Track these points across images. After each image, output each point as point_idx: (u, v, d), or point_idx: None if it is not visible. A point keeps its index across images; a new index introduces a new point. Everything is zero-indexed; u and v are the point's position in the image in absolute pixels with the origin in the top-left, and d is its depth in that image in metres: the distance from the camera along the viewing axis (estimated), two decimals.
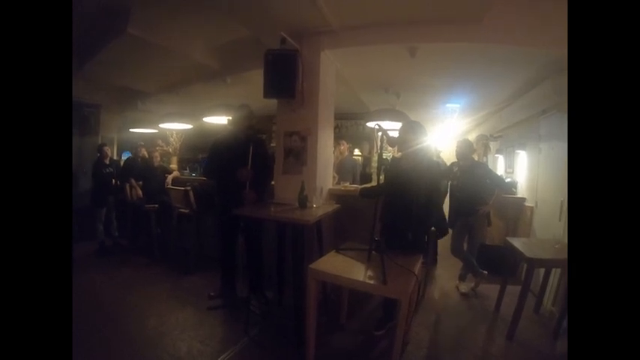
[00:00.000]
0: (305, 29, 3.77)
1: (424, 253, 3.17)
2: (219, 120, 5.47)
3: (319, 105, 3.90)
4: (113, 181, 6.08)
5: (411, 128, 3.18)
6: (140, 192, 5.89)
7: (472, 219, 4.35)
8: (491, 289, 4.20)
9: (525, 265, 3.35)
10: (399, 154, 3.51)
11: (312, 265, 2.70)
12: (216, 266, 4.11)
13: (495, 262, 4.41)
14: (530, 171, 5.28)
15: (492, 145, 7.68)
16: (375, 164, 6.58)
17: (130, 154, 7.39)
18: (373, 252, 2.76)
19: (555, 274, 3.69)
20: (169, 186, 5.68)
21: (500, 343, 3.22)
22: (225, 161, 3.69)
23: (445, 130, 7.77)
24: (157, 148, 6.64)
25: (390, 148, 4.90)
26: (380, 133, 2.88)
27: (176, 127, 6.62)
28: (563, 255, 3.07)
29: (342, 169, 6.53)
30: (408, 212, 3.01)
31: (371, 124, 4.75)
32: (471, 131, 9.16)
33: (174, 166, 6.80)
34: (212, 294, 3.88)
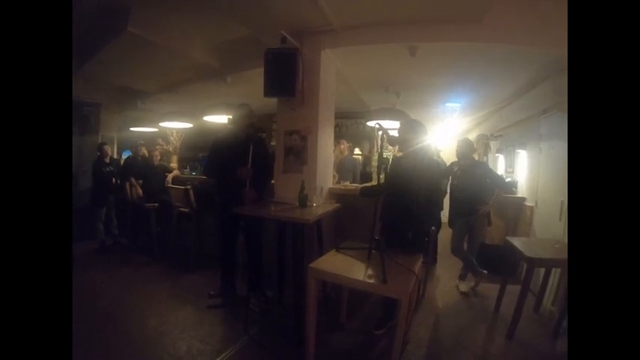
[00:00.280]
0: (305, 28, 3.77)
1: (424, 253, 3.18)
2: (219, 119, 5.47)
3: (319, 104, 3.90)
4: (113, 180, 6.07)
5: (412, 127, 3.18)
6: (140, 191, 5.89)
7: (472, 218, 4.35)
8: (491, 289, 4.20)
9: (525, 265, 3.35)
10: (400, 153, 3.51)
11: (312, 264, 2.70)
12: (216, 265, 4.12)
13: (495, 261, 4.41)
14: (530, 171, 5.28)
15: (493, 144, 7.68)
16: (375, 163, 6.58)
17: (130, 153, 7.39)
18: (373, 251, 2.76)
19: (555, 274, 3.69)
20: (169, 185, 5.68)
21: (500, 342, 3.22)
22: (226, 160, 3.69)
23: (445, 129, 7.76)
24: (157, 147, 6.63)
25: (390, 147, 4.89)
26: (380, 132, 2.88)
27: (176, 126, 6.62)
28: (563, 255, 3.07)
29: (343, 169, 6.53)
30: (408, 211, 3.01)
31: (371, 123, 4.75)
32: (472, 130, 9.15)
33: (174, 165, 6.79)
34: (212, 293, 3.88)
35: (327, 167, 4.37)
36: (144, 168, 6.03)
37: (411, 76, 5.04)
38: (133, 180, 5.94)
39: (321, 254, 3.16)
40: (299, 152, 3.97)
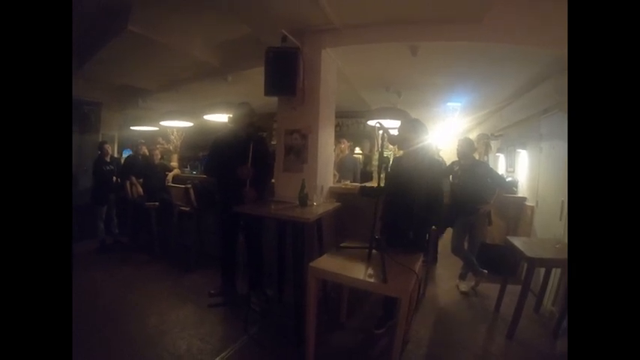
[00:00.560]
0: (306, 27, 3.77)
1: (425, 252, 3.17)
2: (219, 118, 5.47)
3: (320, 103, 3.90)
4: (114, 178, 6.07)
5: (412, 127, 3.17)
6: (141, 190, 5.89)
7: (473, 218, 4.34)
8: (491, 289, 4.20)
9: (526, 265, 3.34)
10: (400, 152, 3.51)
11: (313, 263, 2.70)
12: (216, 264, 4.12)
13: (496, 261, 4.41)
14: (531, 170, 5.28)
15: (493, 144, 7.66)
16: (375, 162, 6.57)
17: (130, 152, 7.38)
18: (374, 250, 2.76)
19: (555, 274, 3.69)
20: (170, 184, 5.68)
21: (500, 342, 3.22)
22: (226, 159, 3.70)
23: (446, 128, 7.75)
24: (158, 145, 6.62)
25: (390, 147, 4.90)
26: (381, 132, 2.88)
27: (177, 124, 6.61)
28: (564, 255, 3.07)
29: (343, 168, 6.53)
30: (409, 211, 3.01)
31: (372, 123, 4.74)
32: (472, 130, 9.15)
33: (174, 163, 6.79)
34: (212, 292, 3.88)
35: (328, 166, 4.37)
36: (144, 167, 6.03)
37: (411, 76, 5.04)
38: (133, 179, 5.93)
39: (321, 253, 3.16)
40: (299, 151, 3.97)
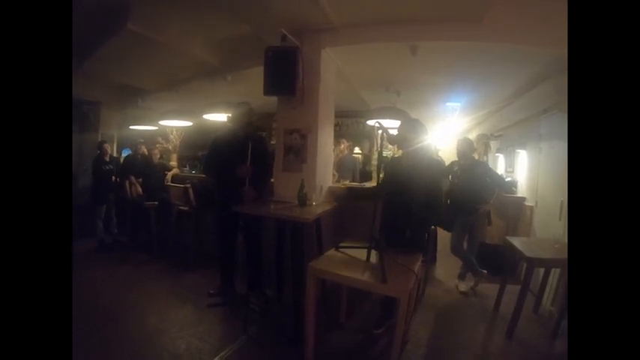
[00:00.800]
0: (306, 26, 3.76)
1: (424, 252, 3.17)
2: (219, 117, 5.47)
3: (319, 103, 3.90)
4: (113, 178, 6.07)
5: (412, 126, 3.17)
6: (140, 189, 5.89)
7: (472, 218, 4.34)
8: (490, 289, 4.19)
9: (525, 265, 3.35)
10: (400, 152, 3.50)
11: (312, 263, 2.70)
12: (215, 263, 4.12)
13: (495, 261, 4.42)
14: (530, 170, 5.28)
15: (493, 144, 7.67)
16: (375, 162, 6.57)
17: (129, 152, 7.38)
18: (373, 250, 2.76)
19: (555, 274, 3.68)
20: (169, 183, 5.68)
21: (499, 342, 3.22)
22: (225, 158, 3.69)
23: (445, 128, 7.75)
24: (157, 145, 6.62)
25: (390, 146, 4.89)
26: (380, 131, 2.88)
27: (176, 124, 6.62)
28: (563, 255, 3.07)
29: (342, 167, 6.53)
30: (408, 210, 3.01)
31: (371, 122, 4.74)
32: (472, 130, 9.15)
33: (174, 163, 6.79)
34: (211, 291, 3.87)
35: (327, 166, 4.37)
36: (143, 166, 6.03)
37: (411, 75, 5.04)
38: (132, 178, 5.93)
39: (320, 253, 3.16)
40: (299, 151, 3.96)
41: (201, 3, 3.72)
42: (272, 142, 6.49)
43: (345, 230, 4.02)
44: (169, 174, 6.01)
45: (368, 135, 8.62)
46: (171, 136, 7.25)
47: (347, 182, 5.36)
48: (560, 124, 4.02)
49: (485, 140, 7.73)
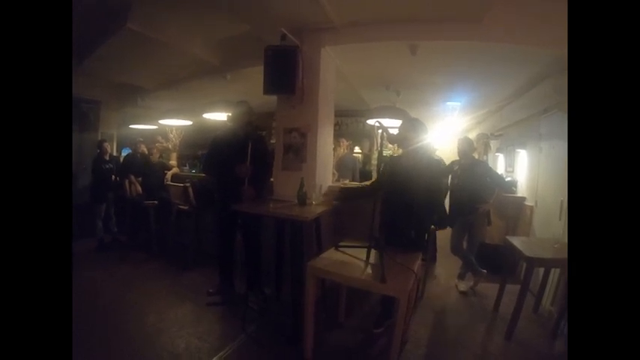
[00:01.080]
0: (306, 25, 3.76)
1: (424, 251, 3.17)
2: (218, 116, 5.47)
3: (319, 102, 3.89)
4: (113, 177, 6.07)
5: (412, 126, 3.16)
6: (139, 188, 5.89)
7: (472, 217, 4.33)
8: (490, 288, 4.19)
9: (525, 265, 3.34)
10: (399, 151, 3.50)
11: (311, 262, 2.70)
12: (214, 262, 4.12)
13: (495, 261, 4.42)
14: (530, 170, 5.27)
15: (493, 143, 7.66)
16: (375, 162, 6.57)
17: (129, 151, 7.37)
18: (372, 249, 2.75)
19: (554, 274, 3.68)
20: (169, 182, 5.67)
21: (498, 342, 3.22)
22: (225, 157, 3.69)
23: (445, 128, 7.75)
24: (157, 144, 6.62)
25: (390, 146, 4.89)
26: (380, 131, 2.88)
27: (176, 123, 6.61)
28: (563, 254, 3.06)
29: (342, 166, 6.52)
30: (408, 210, 3.01)
31: (371, 122, 4.74)
32: (472, 129, 9.15)
33: (173, 162, 6.79)
34: (211, 290, 3.87)
35: (327, 165, 4.36)
36: (143, 165, 6.03)
37: (411, 75, 5.03)
38: (132, 177, 5.93)
39: (319, 252, 3.15)
40: (298, 150, 3.96)
41: (201, 2, 3.72)
42: (272, 141, 6.49)
43: (345, 229, 4.02)
44: (169, 173, 6.00)
45: (368, 134, 8.62)
46: (171, 135, 7.24)
47: (347, 182, 5.35)
48: (560, 123, 4.02)
49: (485, 140, 7.73)
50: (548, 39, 3.15)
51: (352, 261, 2.78)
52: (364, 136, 8.80)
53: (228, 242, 3.91)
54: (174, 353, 2.80)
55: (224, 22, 4.13)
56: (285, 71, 3.69)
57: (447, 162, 4.80)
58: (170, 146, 7.20)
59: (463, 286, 4.40)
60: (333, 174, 5.34)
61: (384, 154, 3.11)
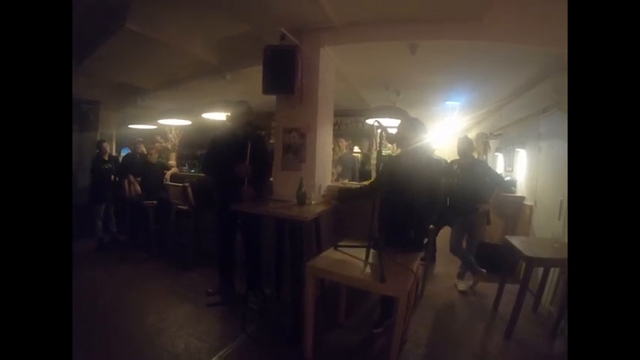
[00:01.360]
0: (305, 25, 3.76)
1: (424, 251, 3.17)
2: (218, 116, 5.47)
3: (318, 101, 3.89)
4: (112, 177, 6.06)
5: (411, 125, 3.16)
6: (139, 188, 5.89)
7: (471, 217, 4.33)
8: (489, 288, 4.20)
9: (524, 264, 3.34)
10: (399, 151, 3.50)
11: (310, 262, 2.70)
12: (214, 262, 4.13)
13: (494, 260, 4.41)
14: (529, 170, 5.27)
15: (492, 143, 7.66)
16: (374, 161, 6.57)
17: (128, 151, 7.37)
18: (372, 249, 2.75)
19: (554, 274, 3.68)
20: (168, 182, 5.67)
21: (498, 341, 3.22)
22: (224, 157, 3.69)
23: (445, 127, 7.75)
24: (156, 144, 6.62)
25: (389, 145, 4.89)
26: (379, 130, 2.87)
27: (175, 123, 6.61)
28: (562, 254, 3.06)
29: (342, 166, 6.52)
30: (407, 210, 3.00)
31: (370, 121, 4.74)
32: (471, 129, 9.15)
33: (172, 162, 6.79)
34: (210, 290, 3.87)
35: (326, 165, 4.36)
36: (142, 165, 6.02)
37: (411, 74, 5.03)
38: (131, 177, 5.93)
39: (319, 252, 3.15)
40: (298, 150, 3.96)
41: (201, 2, 3.72)
42: (271, 141, 6.49)
43: (344, 229, 4.02)
44: (168, 173, 5.99)
45: (367, 134, 8.60)
46: (170, 135, 7.24)
47: (346, 181, 5.35)
48: (559, 123, 4.02)
49: (484, 139, 7.73)
50: (548, 38, 3.15)
51: (352, 261, 2.78)
52: (364, 135, 8.79)
53: (228, 242, 3.91)
54: (174, 353, 2.80)
55: (224, 22, 4.13)
56: (285, 71, 3.69)
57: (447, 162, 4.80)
58: (169, 146, 7.20)
59: (462, 285, 4.41)
60: (333, 174, 5.34)
61: (383, 154, 3.11)
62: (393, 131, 3.19)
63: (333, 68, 4.30)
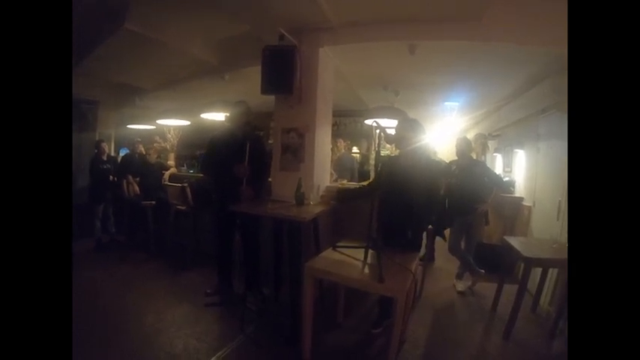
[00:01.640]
0: (304, 25, 3.75)
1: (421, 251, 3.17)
2: (216, 116, 5.46)
3: (317, 102, 3.89)
4: (110, 177, 6.05)
5: (410, 126, 3.17)
6: (137, 188, 5.88)
7: (470, 217, 4.34)
8: (488, 288, 4.20)
9: (522, 265, 3.35)
10: (397, 151, 3.50)
11: (309, 263, 2.70)
12: (213, 262, 4.12)
13: (493, 260, 4.42)
14: (528, 170, 5.28)
15: (490, 143, 7.67)
16: (372, 162, 6.56)
17: (127, 151, 7.36)
18: (370, 250, 2.75)
19: (552, 274, 3.69)
20: (166, 182, 5.67)
21: (496, 342, 3.22)
22: (223, 157, 3.69)
23: (443, 128, 7.76)
24: (155, 144, 6.61)
25: (388, 146, 4.89)
26: (378, 131, 2.87)
27: (174, 123, 6.60)
28: (561, 255, 3.07)
29: (340, 166, 6.52)
30: (406, 210, 3.01)
31: (369, 122, 4.74)
32: (470, 129, 9.15)
33: (171, 162, 6.78)
34: (209, 291, 3.87)
35: (325, 165, 4.36)
36: (141, 165, 6.02)
37: (409, 75, 5.03)
38: (130, 177, 5.93)
39: (317, 252, 3.15)
40: (296, 150, 3.96)
41: (200, 2, 3.71)
42: (270, 142, 6.48)
43: (343, 230, 4.02)
44: (167, 173, 5.99)
45: (366, 134, 8.61)
46: (169, 135, 7.24)
47: (345, 182, 5.35)
48: (558, 123, 4.02)
49: (483, 140, 7.73)
50: (548, 38, 3.15)
51: (350, 261, 2.78)
52: (362, 136, 8.81)
53: (227, 242, 3.90)
54: (173, 354, 2.79)
55: (223, 22, 4.13)
56: (283, 71, 3.69)
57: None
58: (168, 146, 7.20)
59: (461, 285, 4.41)
60: (331, 174, 5.34)
61: (382, 155, 3.11)
62: (392, 132, 3.19)
63: (331, 68, 4.30)
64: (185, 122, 6.40)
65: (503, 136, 6.87)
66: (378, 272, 2.41)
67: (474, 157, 5.31)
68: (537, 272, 3.77)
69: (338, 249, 2.99)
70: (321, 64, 3.91)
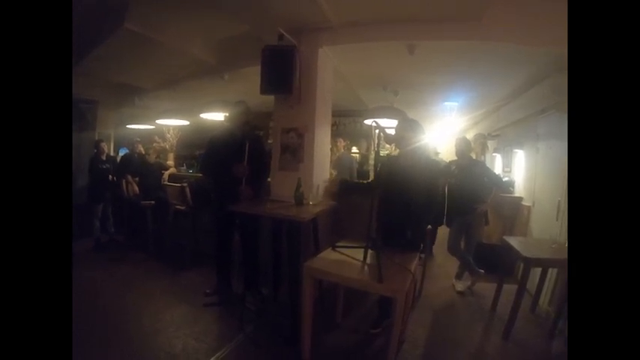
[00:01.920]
0: (303, 25, 3.75)
1: (421, 250, 3.17)
2: (216, 116, 5.46)
3: (317, 102, 3.89)
4: (110, 177, 6.05)
5: (409, 126, 3.17)
6: (136, 188, 5.88)
7: (470, 217, 4.34)
8: (487, 288, 4.20)
9: (522, 265, 3.35)
10: (397, 151, 3.50)
11: (308, 263, 2.69)
12: (212, 262, 4.12)
13: (492, 260, 4.42)
14: (527, 170, 5.28)
15: (490, 143, 7.68)
16: (372, 162, 6.57)
17: (126, 151, 7.36)
18: (370, 250, 2.75)
19: (552, 274, 3.69)
20: (166, 182, 5.67)
21: (496, 342, 3.22)
22: (222, 157, 3.69)
23: (443, 128, 7.75)
24: (154, 144, 6.61)
25: (387, 146, 4.89)
26: (377, 131, 2.87)
27: (173, 123, 6.61)
28: (560, 255, 3.07)
29: (339, 166, 6.52)
30: (405, 210, 3.00)
31: (369, 122, 4.74)
32: (469, 130, 9.16)
33: (170, 162, 6.78)
34: (208, 291, 3.86)
35: (324, 165, 4.36)
36: (140, 165, 6.02)
37: (409, 75, 5.03)
38: (129, 177, 5.93)
39: (317, 252, 3.15)
40: (295, 150, 3.95)
41: (199, 2, 3.71)
42: (269, 141, 6.48)
43: (342, 230, 4.01)
44: (166, 173, 5.99)
45: (365, 134, 8.62)
46: (168, 135, 7.24)
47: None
48: (557, 124, 4.03)
49: (482, 140, 7.74)
50: (548, 38, 3.14)
51: (349, 261, 2.77)
52: (362, 136, 8.81)
53: (226, 242, 3.90)
54: (172, 354, 2.79)
55: (222, 22, 4.12)
56: (283, 71, 3.68)
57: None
58: (167, 146, 7.20)
59: (460, 285, 4.41)
60: (331, 174, 5.34)
61: (381, 155, 3.11)
62: (391, 132, 3.19)
63: (331, 68, 4.30)
64: (184, 122, 6.41)
65: (503, 136, 6.87)
66: (378, 272, 2.41)
67: (474, 157, 5.31)
68: (537, 272, 3.76)
69: (337, 249, 2.99)
70: (320, 64, 3.90)
